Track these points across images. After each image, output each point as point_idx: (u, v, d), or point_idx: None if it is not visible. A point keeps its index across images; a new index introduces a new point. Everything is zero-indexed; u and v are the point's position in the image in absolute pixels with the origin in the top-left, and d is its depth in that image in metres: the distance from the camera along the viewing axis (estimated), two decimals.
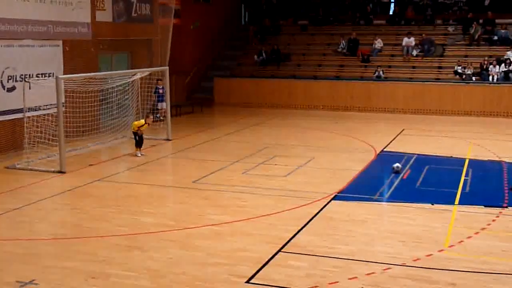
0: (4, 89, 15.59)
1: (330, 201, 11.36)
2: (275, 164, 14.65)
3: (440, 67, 25.70)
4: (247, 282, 7.56)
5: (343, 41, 27.26)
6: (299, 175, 13.52)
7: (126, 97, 18.19)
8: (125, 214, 10.47)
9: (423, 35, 26.58)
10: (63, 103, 14.48)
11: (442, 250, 8.74)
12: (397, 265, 8.14)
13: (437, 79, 25.02)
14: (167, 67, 18.85)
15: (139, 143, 15.59)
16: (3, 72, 15.51)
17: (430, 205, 11.07)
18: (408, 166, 14.40)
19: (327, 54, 27.71)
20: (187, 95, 26.73)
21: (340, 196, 11.69)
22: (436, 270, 7.98)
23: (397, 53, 26.84)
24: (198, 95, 27.02)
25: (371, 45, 27.13)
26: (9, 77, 15.71)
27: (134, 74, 17.88)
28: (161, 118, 20.18)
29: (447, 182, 12.88)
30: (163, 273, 7.84)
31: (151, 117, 15.84)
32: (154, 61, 21.57)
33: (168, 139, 17.95)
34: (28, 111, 14.81)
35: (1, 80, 15.50)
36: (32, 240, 9.18)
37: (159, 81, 20.39)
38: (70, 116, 15.73)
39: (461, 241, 9.10)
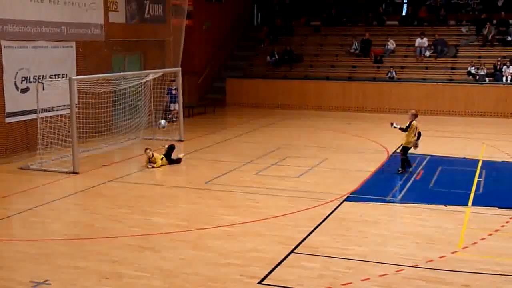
0: (18, 90, 15.70)
1: (342, 202, 11.32)
2: (288, 165, 14.62)
3: (453, 68, 25.54)
4: (260, 282, 7.55)
5: (356, 42, 27.18)
6: (312, 176, 13.49)
7: (138, 98, 18.26)
8: (137, 215, 10.50)
9: (436, 35, 26.41)
10: (76, 104, 14.57)
11: (455, 251, 8.67)
12: (410, 266, 8.08)
13: (450, 80, 24.87)
14: (180, 68, 18.90)
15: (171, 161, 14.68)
16: (16, 73, 15.62)
17: (443, 206, 10.99)
18: (421, 167, 14.32)
19: (339, 55, 27.63)
20: (200, 96, 26.77)
21: (352, 197, 11.64)
22: (450, 271, 7.92)
23: (410, 54, 26.71)
24: (211, 95, 27.05)
25: (384, 45, 27.02)
26: (23, 78, 15.83)
27: (147, 75, 17.94)
28: (174, 119, 20.23)
29: (460, 183, 12.78)
30: (175, 273, 7.84)
31: (149, 151, 14.43)
32: (167, 62, 21.63)
33: (180, 140, 17.97)
34: (41, 112, 14.90)
35: (15, 81, 15.61)
36: (45, 240, 9.23)
37: (172, 82, 20.44)
38: (83, 117, 15.80)
39: (475, 243, 9.03)
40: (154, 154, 14.37)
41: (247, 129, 20.51)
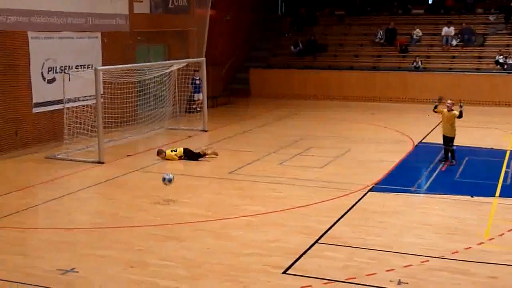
0: (44, 80, 15.86)
1: (366, 192, 11.24)
2: (311, 155, 14.57)
3: (480, 57, 25.12)
4: (284, 272, 7.54)
5: (381, 31, 26.89)
6: (335, 167, 13.42)
7: (163, 88, 18.32)
8: (161, 205, 10.56)
9: (463, 24, 26.01)
10: (101, 94, 14.66)
11: (481, 242, 8.55)
12: (434, 257, 8.00)
13: (477, 69, 24.48)
14: (204, 58, 18.90)
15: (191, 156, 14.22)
16: (43, 63, 15.78)
17: (469, 197, 10.85)
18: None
19: (364, 44, 27.38)
20: (223, 86, 26.78)
21: (376, 188, 11.56)
22: (475, 263, 7.82)
23: (436, 43, 26.36)
24: (234, 86, 27.04)
25: (409, 35, 26.69)
26: (49, 69, 15.99)
27: (171, 65, 17.98)
28: (198, 109, 20.27)
29: (487, 174, 12.61)
30: (199, 262, 7.87)
31: (163, 153, 14.14)
32: (191, 53, 21.66)
33: (204, 130, 18.01)
34: (67, 102, 15.04)
35: (42, 72, 15.77)
36: (70, 229, 9.33)
37: (195, 72, 20.48)
38: (108, 107, 15.93)
39: (502, 234, 8.90)
40: (167, 153, 14.12)
41: (270, 119, 20.47)
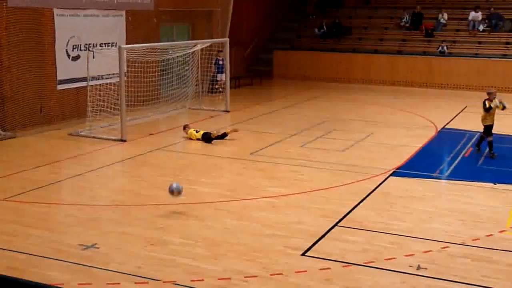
0: (69, 58, 15.96)
1: (388, 177, 11.19)
2: (333, 138, 14.52)
3: (508, 43, 24.67)
4: (303, 254, 7.56)
5: (407, 15, 26.53)
6: (357, 150, 13.37)
7: (186, 68, 18.34)
8: (182, 183, 10.53)
9: (491, 9, 25.54)
10: (125, 72, 14.73)
11: (503, 230, 8.48)
12: (455, 243, 7.95)
13: (504, 55, 24.07)
14: (228, 39, 18.85)
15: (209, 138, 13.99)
16: (68, 41, 15.87)
17: (492, 184, 10.74)
18: (470, 144, 14.00)
19: (389, 28, 27.06)
20: (246, 67, 26.72)
21: (398, 172, 11.49)
22: (497, 250, 7.76)
23: (462, 28, 25.94)
24: (257, 67, 26.96)
25: (436, 19, 26.30)
26: (74, 46, 16.07)
27: (195, 45, 17.97)
28: (220, 89, 20.28)
29: (510, 162, 12.45)
30: (219, 242, 7.92)
31: (188, 129, 14.24)
32: (214, 33, 21.62)
33: (226, 111, 18.03)
34: (91, 80, 15.15)
35: (66, 49, 15.87)
36: (93, 205, 9.44)
37: (219, 53, 20.44)
38: (131, 86, 16.01)
39: None
40: (190, 130, 14.20)
41: (293, 101, 20.42)
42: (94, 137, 14.15)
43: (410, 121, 17.01)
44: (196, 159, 12.57)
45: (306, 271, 7.09)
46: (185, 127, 14.42)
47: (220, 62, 20.51)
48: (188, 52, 17.80)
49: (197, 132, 14.16)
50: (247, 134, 14.94)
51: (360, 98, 21.50)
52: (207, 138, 13.92)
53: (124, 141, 13.86)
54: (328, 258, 7.44)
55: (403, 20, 26.66)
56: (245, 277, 6.91)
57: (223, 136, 14.03)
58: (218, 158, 12.69)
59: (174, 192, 9.08)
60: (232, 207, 9.36)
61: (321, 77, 25.62)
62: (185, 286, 6.69)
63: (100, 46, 16.70)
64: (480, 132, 13.36)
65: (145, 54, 16.06)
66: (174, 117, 17.08)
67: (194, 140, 14.07)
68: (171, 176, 11.05)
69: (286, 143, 13.95)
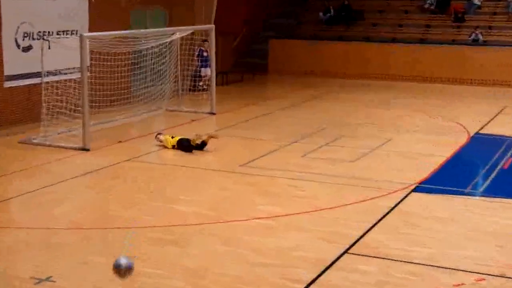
0: (19, 48, 15.95)
1: (409, 193, 11.21)
2: (341, 146, 14.57)
3: None
4: None
5: None
6: (371, 161, 13.41)
7: (162, 61, 18.36)
8: (158, 202, 10.60)
9: None
10: (88, 66, 14.73)
11: None
12: (492, 275, 7.95)
13: None
14: (213, 26, 18.89)
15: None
16: (18, 28, 15.85)
17: None
18: (509, 154, 14.05)
19: (410, 11, 27.22)
20: (236, 61, 26.79)
21: (422, 188, 11.53)
22: None
23: (500, 11, 26.10)
24: (249, 60, 27.05)
25: (467, 0, 26.46)
26: (25, 34, 16.06)
27: (173, 34, 18.00)
28: (205, 87, 20.30)
29: None
30: (201, 273, 7.90)
31: (160, 136, 14.31)
32: (197, 19, 21.67)
33: (212, 113, 18.07)
34: (46, 76, 15.13)
35: (16, 38, 15.86)
36: (48, 229, 9.40)
37: (203, 43, 20.48)
38: (96, 83, 16.01)
39: None
40: (165, 137, 14.19)
41: (292, 101, 20.47)
42: (50, 146, 14.13)
43: (436, 124, 17.10)
44: (174, 171, 12.59)
45: None
46: (158, 136, 14.37)
47: (205, 54, 20.55)
48: (165, 41, 17.84)
49: (172, 138, 14.17)
50: (236, 141, 14.95)
51: (375, 97, 21.58)
52: (185, 146, 13.88)
53: (87, 150, 13.85)
54: None
55: (427, 2, 26.83)
56: None
57: (202, 145, 13.91)
58: (200, 171, 12.68)
59: (122, 269, 6.56)
60: (218, 230, 9.34)
61: (327, 72, 25.72)
62: None
63: (58, 34, 16.70)
64: None
65: (112, 45, 16.08)
66: (148, 121, 17.09)
67: (169, 148, 14.08)
68: (144, 193, 11.04)
69: (284, 152, 13.98)
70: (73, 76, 16.23)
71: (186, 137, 14.09)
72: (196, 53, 20.57)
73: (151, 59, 18.05)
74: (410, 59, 25.07)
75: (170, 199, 10.76)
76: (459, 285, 7.69)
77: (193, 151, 13.79)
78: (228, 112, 18.39)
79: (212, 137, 14.09)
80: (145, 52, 17.76)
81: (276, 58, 26.75)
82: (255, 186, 11.56)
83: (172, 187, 11.45)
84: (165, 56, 18.36)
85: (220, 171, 12.73)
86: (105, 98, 16.52)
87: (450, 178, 12.27)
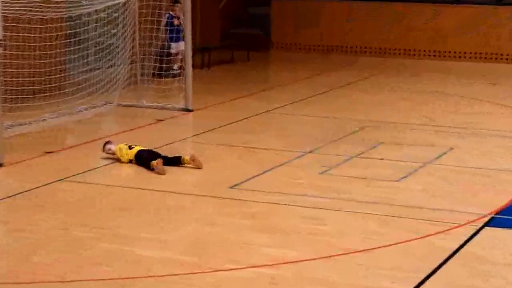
0: None
1: (481, 228, 11.22)
2: (379, 159, 14.61)
3: None
4: None
5: None
6: (423, 180, 13.45)
7: (112, 32, 18.35)
8: (108, 242, 10.58)
9: None
10: (0, 40, 14.72)
11: None
12: None
13: None
14: None
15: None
16: None
17: None
18: None
19: None
20: (223, 31, 26.78)
21: (499, 220, 11.55)
22: None
23: None
24: (243, 31, 27.00)
25: None
26: None
27: None
28: (176, 70, 20.30)
29: None
30: None
31: (110, 145, 14.43)
32: None
33: (187, 109, 18.10)
34: None
35: None
36: None
37: (173, 6, 20.54)
38: (13, 65, 15.97)
39: None
40: (118, 146, 14.32)
41: (307, 91, 20.52)
42: None
43: None
44: (134, 196, 12.60)
45: None
46: (106, 145, 14.44)
47: (176, 22, 20.57)
48: (116, 3, 17.84)
49: (130, 148, 14.24)
50: (223, 151, 14.99)
51: (428, 84, 21.63)
52: (146, 159, 13.95)
53: (0, 165, 13.89)
54: None
55: None
56: None
57: (176, 161, 14.06)
58: (173, 196, 12.69)
59: None
60: (199, 284, 9.39)
61: (357, 45, 25.75)
62: None
63: None
64: None
65: (36, 8, 16.06)
66: (92, 121, 17.08)
67: (125, 162, 14.16)
68: (87, 227, 11.03)
69: (295, 168, 14.05)
70: None
71: (146, 148, 14.21)
72: (164, 21, 20.58)
73: (96, 30, 18.04)
74: (481, 28, 25.10)
75: (127, 238, 10.72)
76: None
77: (156, 168, 13.75)
78: (210, 108, 18.42)
79: (192, 160, 14.06)
80: (87, 19, 17.76)
81: (281, 27, 26.73)
82: (253, 219, 11.55)
83: (129, 220, 11.42)
84: (117, 25, 18.36)
85: (202, 196, 12.72)
86: (26, 88, 16.53)
87: None
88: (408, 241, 10.73)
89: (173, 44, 20.99)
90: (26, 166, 13.97)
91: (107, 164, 14.15)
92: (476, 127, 17.08)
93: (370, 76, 22.74)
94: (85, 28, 17.84)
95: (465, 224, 11.34)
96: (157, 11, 19.77)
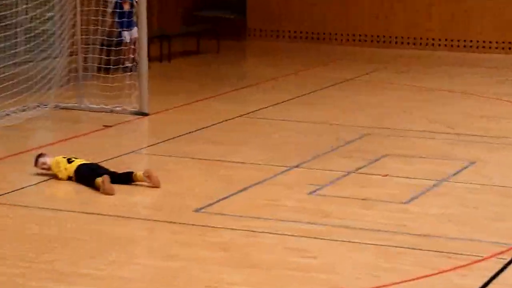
0: None
1: (510, 261, 11.20)
2: (384, 175, 14.60)
3: None
4: None
5: None
6: (437, 202, 13.47)
7: (47, 16, 18.32)
8: (40, 281, 10.48)
9: None
10: None
11: None
12: None
13: None
14: None
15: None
16: None
17: None
18: None
19: None
20: (187, 15, 26.85)
21: None
22: None
23: None
24: (209, 13, 27.10)
25: None
26: None
27: None
28: (128, 64, 20.31)
29: None
30: None
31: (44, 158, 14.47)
32: None
33: (142, 113, 18.07)
34: None
35: None
36: None
37: None
38: None
39: None
40: (55, 161, 14.37)
41: (291, 90, 20.53)
42: None
43: None
44: (75, 224, 12.55)
45: None
46: (40, 158, 14.47)
47: (126, 7, 20.57)
48: None
49: (70, 161, 14.21)
50: (189, 164, 14.98)
51: (442, 82, 21.70)
52: (89, 175, 13.99)
53: None
54: None
55: None
56: None
57: (127, 178, 14.15)
58: (123, 221, 12.65)
59: None
60: None
61: (350, 33, 25.87)
62: None
63: None
64: None
65: None
66: (21, 128, 17.02)
67: (64, 179, 14.13)
68: (13, 262, 10.91)
69: (278, 186, 14.11)
70: None
71: (89, 161, 14.26)
72: (112, 5, 20.57)
73: (26, 13, 18.02)
74: (502, 13, 25.33)
75: (64, 275, 10.65)
76: None
77: (104, 187, 13.75)
78: (171, 111, 18.44)
79: (147, 175, 14.09)
80: (14, 1, 17.76)
81: (259, 10, 26.85)
82: (224, 251, 11.50)
83: (68, 253, 11.35)
84: (53, 7, 18.34)
85: (160, 221, 12.71)
86: None
87: None
88: (418, 278, 10.69)
89: (124, 33, 21.01)
90: None
91: (41, 182, 14.11)
92: (505, 134, 17.10)
93: (371, 71, 22.78)
94: (12, 11, 17.76)
95: (490, 257, 11.32)
96: None
